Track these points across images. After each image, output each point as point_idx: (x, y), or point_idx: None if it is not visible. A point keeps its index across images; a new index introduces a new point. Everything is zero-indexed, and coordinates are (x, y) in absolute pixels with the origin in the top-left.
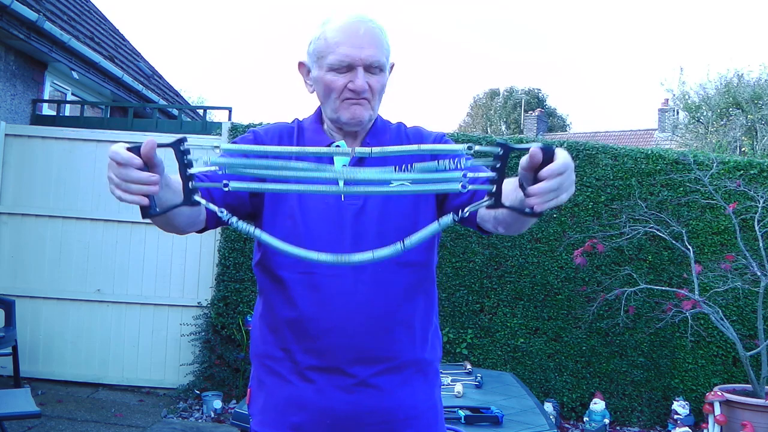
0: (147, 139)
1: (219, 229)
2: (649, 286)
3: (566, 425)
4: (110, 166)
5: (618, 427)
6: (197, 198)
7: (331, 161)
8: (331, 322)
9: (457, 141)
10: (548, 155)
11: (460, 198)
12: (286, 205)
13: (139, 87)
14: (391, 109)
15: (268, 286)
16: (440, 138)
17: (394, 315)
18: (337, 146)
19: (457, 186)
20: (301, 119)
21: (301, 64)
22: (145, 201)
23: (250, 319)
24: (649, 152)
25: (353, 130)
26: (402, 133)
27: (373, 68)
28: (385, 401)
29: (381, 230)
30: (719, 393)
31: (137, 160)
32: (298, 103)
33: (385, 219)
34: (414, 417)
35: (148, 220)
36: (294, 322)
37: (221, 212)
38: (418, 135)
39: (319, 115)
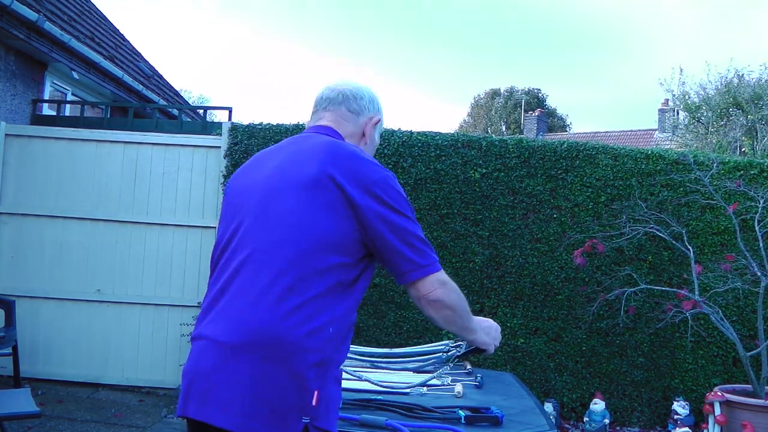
0: None
1: None
2: (649, 287)
3: (566, 425)
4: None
5: (618, 427)
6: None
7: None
8: None
9: (458, 140)
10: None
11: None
12: None
13: (139, 87)
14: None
15: (360, 297)
16: None
17: None
18: None
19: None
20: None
21: (378, 120)
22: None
23: None
24: (649, 152)
25: None
26: None
27: None
28: None
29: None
30: (719, 393)
31: None
32: (298, 103)
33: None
34: None
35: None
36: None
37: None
38: None
39: None
